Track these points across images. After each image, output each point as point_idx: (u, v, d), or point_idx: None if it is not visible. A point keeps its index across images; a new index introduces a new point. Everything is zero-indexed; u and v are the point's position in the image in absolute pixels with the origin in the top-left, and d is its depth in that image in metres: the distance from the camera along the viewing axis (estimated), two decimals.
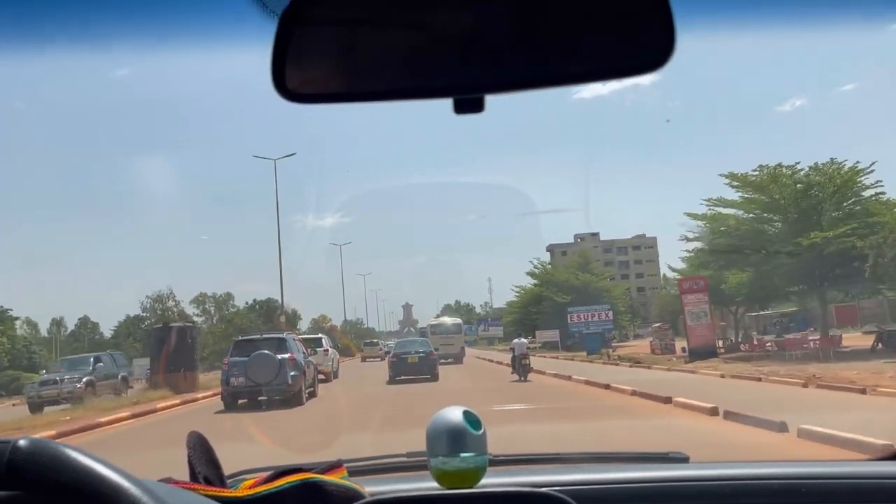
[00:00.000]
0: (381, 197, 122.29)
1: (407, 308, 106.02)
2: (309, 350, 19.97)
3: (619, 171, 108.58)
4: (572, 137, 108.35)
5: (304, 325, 71.17)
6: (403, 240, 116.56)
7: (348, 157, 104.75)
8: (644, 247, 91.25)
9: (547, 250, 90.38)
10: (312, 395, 17.74)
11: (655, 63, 0.85)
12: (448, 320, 42.61)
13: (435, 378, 22.01)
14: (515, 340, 21.98)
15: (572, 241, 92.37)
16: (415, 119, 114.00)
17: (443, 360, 33.27)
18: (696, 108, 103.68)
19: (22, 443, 0.77)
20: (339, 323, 76.50)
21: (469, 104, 0.86)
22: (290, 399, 16.12)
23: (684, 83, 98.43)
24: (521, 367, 20.42)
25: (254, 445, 10.37)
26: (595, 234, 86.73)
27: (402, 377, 22.01)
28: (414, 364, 22.37)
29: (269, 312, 61.60)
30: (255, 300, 65.14)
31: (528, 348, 21.55)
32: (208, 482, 1.09)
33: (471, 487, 1.11)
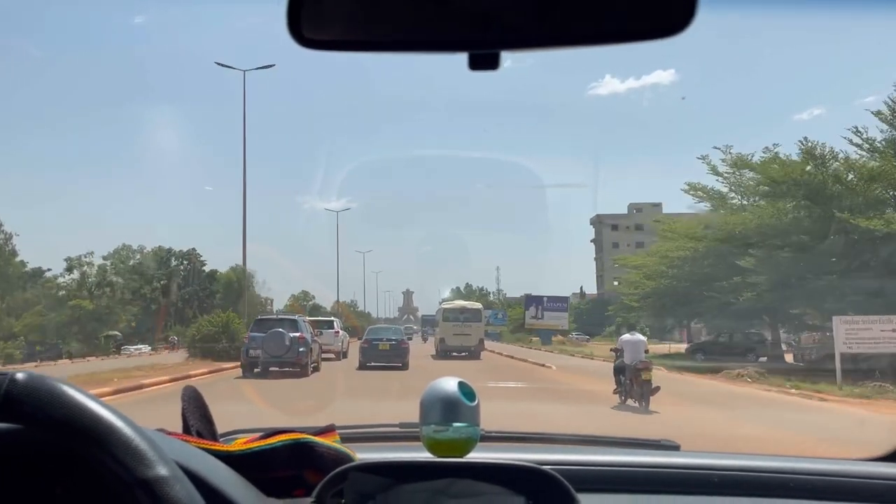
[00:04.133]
0: (382, 174, 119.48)
1: (407, 294, 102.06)
2: (315, 331, 22.19)
3: (630, 160, 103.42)
4: (585, 127, 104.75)
5: (280, 301, 61.05)
6: (404, 223, 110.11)
7: (351, 135, 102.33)
8: None
9: (592, 224, 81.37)
10: (316, 369, 20.09)
11: (675, 28, 0.82)
12: (465, 304, 33.80)
13: (405, 367, 21.04)
14: (626, 336, 12.65)
15: (625, 212, 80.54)
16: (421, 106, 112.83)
17: (454, 354, 29.03)
18: (713, 110, 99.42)
19: (19, 376, 0.76)
20: (329, 305, 64.57)
21: (484, 60, 0.83)
22: (297, 371, 18.48)
23: (704, 85, 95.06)
24: (637, 384, 11.73)
25: (259, 408, 11.45)
26: (657, 205, 70.07)
27: (372, 364, 21.35)
28: (385, 352, 21.86)
29: (192, 272, 50.73)
30: (169, 250, 52.55)
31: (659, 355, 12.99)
32: (200, 436, 1.09)
33: (461, 458, 1.09)
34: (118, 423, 0.77)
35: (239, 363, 19.51)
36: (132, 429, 0.77)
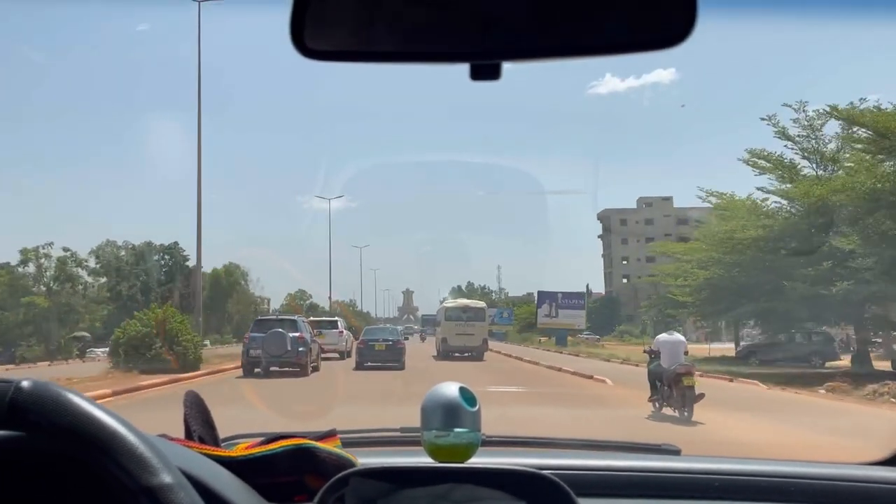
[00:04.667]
0: (382, 176, 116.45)
1: (407, 294, 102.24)
2: (315, 331, 22.03)
3: (631, 157, 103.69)
4: (584, 126, 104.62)
5: (277, 300, 60.49)
6: (403, 224, 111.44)
7: (351, 135, 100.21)
8: None
9: (599, 219, 79.70)
10: (316, 369, 20.02)
11: (676, 38, 0.81)
12: (468, 303, 32.28)
13: (401, 367, 20.99)
14: (663, 337, 11.46)
15: (635, 206, 79.65)
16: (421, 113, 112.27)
17: (456, 354, 27.74)
18: (714, 110, 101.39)
19: (25, 384, 0.76)
20: (325, 303, 60.55)
21: (486, 70, 0.82)
22: (297, 371, 18.57)
23: (704, 84, 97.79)
24: (677, 391, 10.44)
25: (260, 410, 11.55)
26: (667, 199, 69.57)
27: (369, 364, 21.21)
28: (381, 352, 21.74)
29: (175, 266, 48.23)
30: (149, 243, 49.64)
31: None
32: (202, 442, 1.08)
33: (462, 463, 1.09)
34: (122, 430, 0.77)
35: (181, 376, 18.03)
36: (136, 436, 0.77)
